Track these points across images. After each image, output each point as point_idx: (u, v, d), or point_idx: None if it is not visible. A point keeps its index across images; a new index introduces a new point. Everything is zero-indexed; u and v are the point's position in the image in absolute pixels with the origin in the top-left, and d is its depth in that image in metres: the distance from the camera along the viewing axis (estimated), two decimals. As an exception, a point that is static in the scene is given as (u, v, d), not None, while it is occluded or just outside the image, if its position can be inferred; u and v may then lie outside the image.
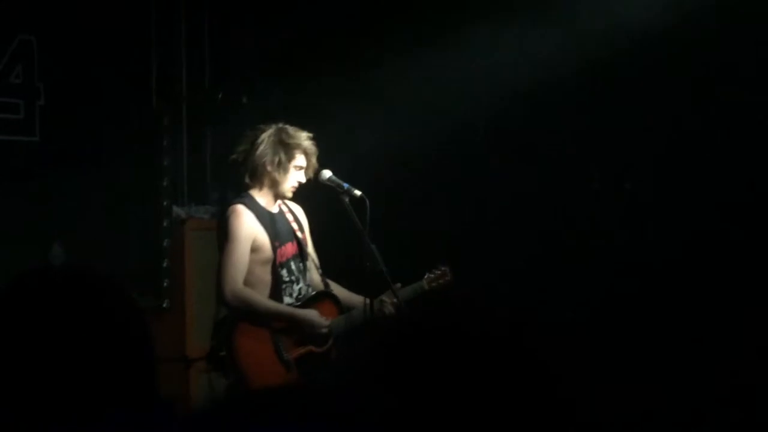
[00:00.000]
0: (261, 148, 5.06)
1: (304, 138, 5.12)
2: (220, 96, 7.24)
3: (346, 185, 5.11)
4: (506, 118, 6.26)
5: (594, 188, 6.10)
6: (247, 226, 5.00)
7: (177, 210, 7.01)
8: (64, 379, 1.64)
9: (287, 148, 5.06)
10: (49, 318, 1.68)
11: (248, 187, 5.13)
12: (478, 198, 6.43)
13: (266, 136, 5.09)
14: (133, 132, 6.84)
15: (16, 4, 6.24)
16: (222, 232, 5.04)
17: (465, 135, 6.39)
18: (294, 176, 5.10)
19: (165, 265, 6.93)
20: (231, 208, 5.07)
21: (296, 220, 5.25)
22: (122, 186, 6.73)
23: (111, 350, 1.68)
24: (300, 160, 5.09)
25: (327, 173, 5.18)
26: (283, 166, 5.04)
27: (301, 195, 5.32)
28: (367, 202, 5.01)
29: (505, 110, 6.21)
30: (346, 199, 5.07)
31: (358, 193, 5.07)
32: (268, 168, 5.05)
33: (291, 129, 5.15)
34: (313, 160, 5.13)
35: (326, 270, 5.38)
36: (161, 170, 7.04)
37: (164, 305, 6.81)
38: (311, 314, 5.04)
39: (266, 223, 5.07)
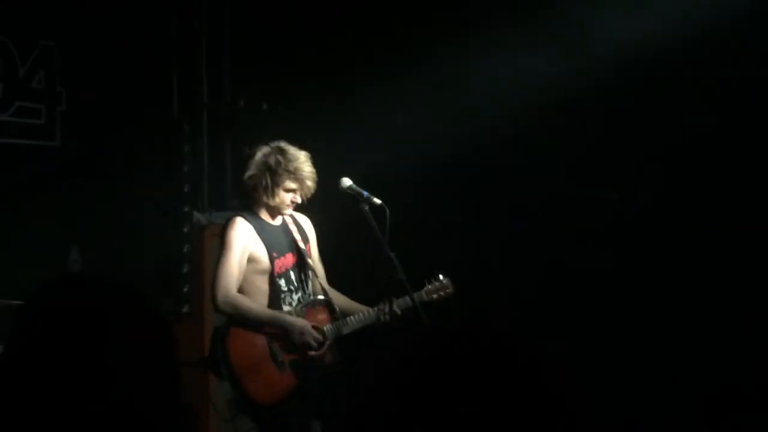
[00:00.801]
0: (251, 170, 5.16)
1: (295, 162, 5.12)
2: (241, 103, 7.25)
3: (365, 193, 5.12)
4: (516, 131, 6.24)
5: (612, 199, 6.08)
6: (243, 238, 5.11)
7: (197, 216, 7.02)
8: (94, 388, 1.64)
9: (274, 174, 5.11)
10: (75, 328, 1.68)
11: (251, 201, 5.21)
12: (490, 209, 6.41)
13: (258, 159, 5.16)
14: (154, 138, 6.86)
15: (39, 11, 6.27)
16: (219, 242, 5.18)
17: (479, 146, 6.36)
18: (286, 196, 5.14)
19: (185, 270, 6.94)
20: (230, 219, 5.20)
21: (300, 231, 5.30)
22: (143, 191, 6.75)
23: (138, 360, 1.68)
24: (289, 184, 5.12)
25: (347, 181, 5.19)
26: (270, 190, 5.09)
27: (320, 203, 5.33)
28: (387, 210, 5.01)
29: (513, 124, 6.19)
30: (366, 208, 5.08)
31: (378, 201, 5.08)
32: (258, 190, 5.11)
33: (285, 152, 5.16)
34: (308, 183, 5.15)
35: (345, 277, 5.39)
36: (182, 176, 7.06)
37: (184, 310, 6.82)
38: (299, 322, 5.06)
39: (265, 235, 5.16)
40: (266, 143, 5.23)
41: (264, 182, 5.10)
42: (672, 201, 5.92)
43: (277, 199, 5.15)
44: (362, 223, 5.07)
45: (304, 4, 7.07)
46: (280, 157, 5.11)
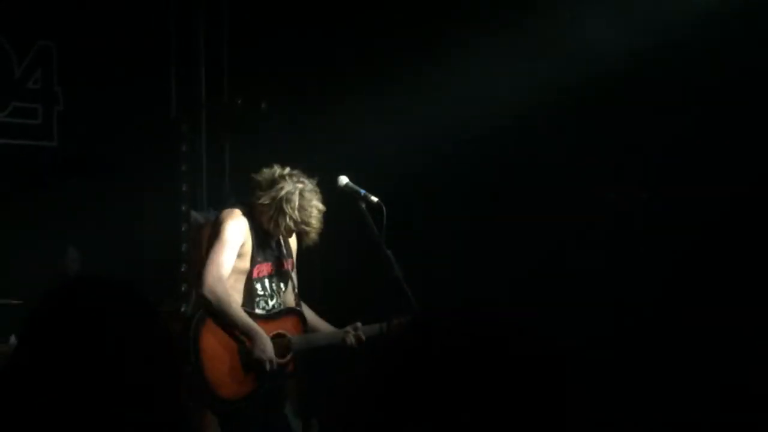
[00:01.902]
0: (264, 198, 5.06)
1: (308, 218, 5.05)
2: (239, 102, 7.25)
3: (362, 191, 5.11)
4: (517, 130, 6.24)
5: (610, 199, 6.09)
6: (240, 231, 5.08)
7: (195, 215, 7.03)
8: (97, 388, 1.66)
9: (282, 214, 5.04)
10: (81, 328, 1.70)
11: (252, 205, 5.16)
12: (488, 207, 6.41)
13: (276, 192, 5.05)
14: (152, 137, 6.87)
15: (36, 11, 6.28)
16: (214, 231, 5.10)
17: (479, 144, 6.37)
18: (283, 231, 5.15)
19: (183, 269, 6.95)
20: (229, 210, 5.15)
21: (286, 244, 5.29)
22: (141, 191, 6.75)
23: (141, 359, 1.71)
24: (292, 227, 5.10)
25: (344, 179, 5.18)
26: (272, 222, 5.09)
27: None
28: (384, 208, 5.01)
29: (515, 123, 6.19)
30: (363, 206, 5.08)
31: (374, 199, 5.07)
32: (263, 213, 5.08)
33: (303, 204, 5.06)
34: (311, 235, 5.12)
35: (342, 276, 5.38)
36: (180, 175, 7.07)
37: (182, 309, 6.82)
38: (265, 339, 5.05)
39: (255, 237, 5.14)
40: (293, 175, 5.10)
41: (270, 214, 5.06)
42: (671, 200, 5.92)
43: (274, 231, 5.15)
44: (359, 221, 5.07)
45: (303, 3, 7.07)
46: (296, 205, 5.03)
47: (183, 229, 7.04)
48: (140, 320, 1.76)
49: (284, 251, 5.29)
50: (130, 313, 1.76)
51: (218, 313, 5.00)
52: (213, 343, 5.02)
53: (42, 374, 1.67)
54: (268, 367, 5.04)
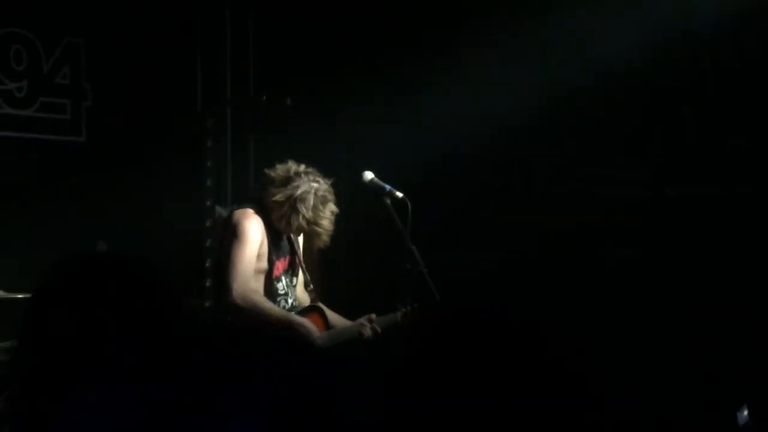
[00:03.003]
0: (279, 195, 4.99)
1: (321, 219, 5.00)
2: (264, 98, 7.27)
3: (387, 187, 5.11)
4: (542, 125, 6.24)
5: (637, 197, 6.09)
6: (258, 232, 5.01)
7: (220, 210, 7.05)
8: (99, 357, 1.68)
9: (296, 213, 4.97)
10: (88, 299, 1.72)
11: (263, 203, 5.11)
12: (512, 203, 6.41)
13: (291, 191, 4.98)
14: (178, 133, 6.90)
15: (65, 7, 6.33)
16: (230, 233, 5.00)
17: (503, 140, 6.37)
18: (292, 230, 5.10)
19: (208, 264, 6.97)
20: (242, 211, 5.06)
21: (295, 240, 5.25)
22: (166, 186, 6.79)
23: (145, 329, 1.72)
24: (303, 227, 5.04)
25: (369, 175, 5.19)
26: (283, 220, 5.01)
27: (342, 196, 5.32)
28: (409, 203, 5.02)
29: (540, 118, 6.19)
30: (388, 201, 5.08)
31: (399, 194, 5.08)
32: (273, 209, 5.03)
33: (318, 203, 4.99)
34: (323, 237, 5.05)
35: (364, 270, 5.37)
36: (205, 171, 7.10)
37: (206, 305, 6.85)
38: (312, 327, 5.04)
39: (270, 235, 5.07)
40: (308, 173, 5.04)
41: (283, 212, 4.99)
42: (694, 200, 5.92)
43: (285, 229, 5.11)
44: (384, 216, 5.08)
45: (328, 1, 7.09)
46: (310, 204, 4.97)
47: (208, 224, 7.07)
48: (143, 287, 1.77)
49: (294, 246, 5.26)
50: (133, 281, 1.76)
51: (252, 315, 4.93)
52: None
53: (49, 345, 1.69)
54: (314, 344, 5.02)
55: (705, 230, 5.81)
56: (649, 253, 5.97)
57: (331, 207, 5.04)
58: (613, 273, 6.00)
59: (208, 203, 7.09)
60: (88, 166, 6.34)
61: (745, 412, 4.35)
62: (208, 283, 6.93)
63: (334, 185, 5.10)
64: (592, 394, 1.46)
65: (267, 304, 4.98)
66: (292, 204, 4.97)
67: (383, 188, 5.11)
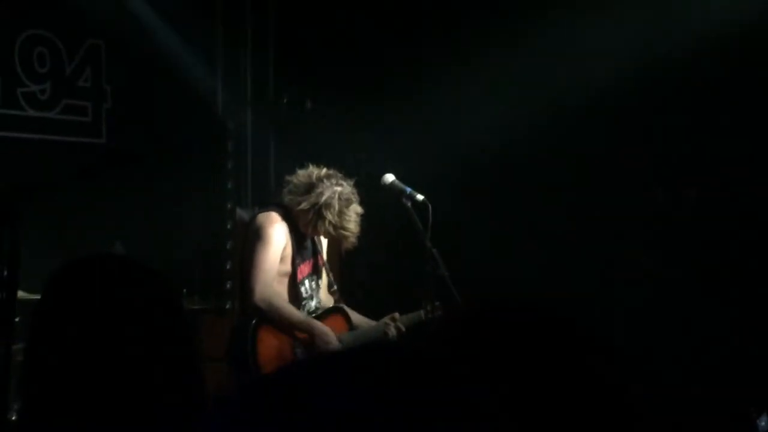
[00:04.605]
0: (304, 204, 4.97)
1: (346, 222, 4.99)
2: (284, 100, 7.28)
3: (408, 189, 5.10)
4: (560, 128, 6.23)
5: (657, 198, 6.06)
6: (282, 235, 5.02)
7: (240, 213, 7.07)
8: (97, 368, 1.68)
9: (322, 219, 4.96)
10: (89, 305, 1.72)
11: (289, 207, 5.09)
12: (531, 206, 6.40)
13: (316, 197, 4.96)
14: (199, 135, 6.92)
15: (87, 10, 6.35)
16: (255, 236, 5.01)
17: (523, 144, 6.36)
18: (319, 234, 5.11)
19: (228, 267, 6.99)
20: (266, 214, 5.06)
21: (318, 242, 5.25)
22: (186, 188, 6.80)
23: (142, 340, 1.72)
24: (330, 232, 5.03)
25: (389, 177, 5.18)
26: (310, 226, 5.01)
27: (363, 198, 5.31)
28: (430, 206, 5.01)
29: (556, 122, 6.17)
30: (408, 204, 5.06)
31: (420, 197, 5.06)
32: (299, 216, 5.03)
33: (343, 207, 4.98)
34: (350, 240, 5.04)
35: (386, 272, 5.37)
36: (226, 173, 7.12)
37: (227, 306, 6.86)
38: (326, 329, 5.05)
39: (294, 238, 5.08)
40: (330, 177, 5.03)
41: (309, 218, 4.99)
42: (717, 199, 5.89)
43: (312, 233, 5.12)
44: (405, 219, 5.07)
45: (349, 3, 7.10)
46: (336, 210, 4.96)
47: (228, 226, 7.09)
48: (149, 291, 1.77)
49: (318, 248, 5.27)
50: (138, 284, 1.77)
51: (274, 318, 4.96)
52: (269, 351, 4.98)
53: (58, 343, 1.69)
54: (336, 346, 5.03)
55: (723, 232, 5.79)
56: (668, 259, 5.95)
57: (356, 209, 5.05)
58: (633, 277, 5.98)
59: (229, 205, 7.11)
60: (107, 168, 6.35)
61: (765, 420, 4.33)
62: (228, 285, 6.95)
63: (356, 185, 5.10)
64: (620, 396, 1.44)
65: (288, 307, 5.00)
66: (318, 211, 4.97)
67: (404, 191, 5.10)
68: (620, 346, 1.48)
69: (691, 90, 5.90)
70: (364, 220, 5.15)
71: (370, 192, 5.27)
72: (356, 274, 6.43)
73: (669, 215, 6.03)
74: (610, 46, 5.93)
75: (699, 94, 5.88)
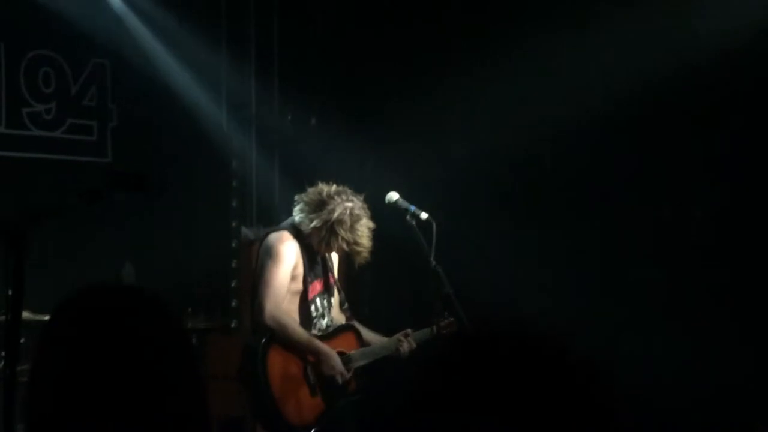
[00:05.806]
0: (316, 221, 4.99)
1: (359, 238, 4.99)
2: (289, 117, 7.30)
3: (413, 208, 5.09)
4: (570, 145, 6.23)
5: (665, 216, 6.07)
6: (293, 255, 5.03)
7: (245, 231, 7.07)
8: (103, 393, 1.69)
9: (335, 236, 4.97)
10: (93, 334, 1.73)
11: (301, 226, 5.10)
12: (536, 223, 6.40)
13: (327, 215, 4.97)
14: (203, 153, 6.93)
15: (92, 30, 6.38)
16: (266, 255, 5.04)
17: (529, 160, 6.36)
18: (332, 251, 5.12)
19: (233, 285, 6.99)
20: (278, 234, 5.08)
21: (329, 260, 5.26)
22: (192, 207, 6.81)
23: (149, 369, 1.72)
24: (343, 248, 5.04)
25: (394, 195, 5.18)
26: (323, 244, 5.03)
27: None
28: (434, 224, 5.00)
29: (568, 138, 6.18)
30: (413, 222, 5.06)
31: (424, 215, 5.05)
32: (312, 234, 5.04)
33: (354, 224, 4.99)
34: (363, 254, 5.05)
35: (391, 291, 5.37)
36: (230, 192, 7.13)
37: (232, 325, 6.87)
38: (332, 353, 5.05)
39: (305, 257, 5.09)
40: (341, 193, 5.03)
41: (322, 236, 5.00)
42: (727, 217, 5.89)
43: (325, 251, 5.13)
44: (409, 237, 5.07)
45: (353, 18, 7.12)
46: (348, 226, 4.97)
47: (233, 244, 7.09)
48: (155, 320, 1.78)
49: (329, 265, 5.29)
50: (143, 314, 1.77)
51: (284, 337, 4.96)
52: (280, 370, 4.98)
53: (60, 374, 1.70)
54: (339, 380, 5.04)
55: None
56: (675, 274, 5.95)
57: (368, 223, 5.06)
58: (641, 293, 5.98)
59: (234, 224, 7.12)
60: (113, 187, 6.35)
61: None
62: (234, 304, 6.95)
63: (366, 199, 5.11)
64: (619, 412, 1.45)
65: (294, 327, 5.00)
66: (330, 228, 4.98)
67: (408, 209, 5.10)
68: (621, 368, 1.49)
69: (706, 107, 5.91)
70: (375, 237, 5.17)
71: (373, 209, 5.27)
72: (360, 292, 6.42)
73: (676, 232, 6.03)
74: (610, 68, 5.95)
75: (715, 110, 5.89)
